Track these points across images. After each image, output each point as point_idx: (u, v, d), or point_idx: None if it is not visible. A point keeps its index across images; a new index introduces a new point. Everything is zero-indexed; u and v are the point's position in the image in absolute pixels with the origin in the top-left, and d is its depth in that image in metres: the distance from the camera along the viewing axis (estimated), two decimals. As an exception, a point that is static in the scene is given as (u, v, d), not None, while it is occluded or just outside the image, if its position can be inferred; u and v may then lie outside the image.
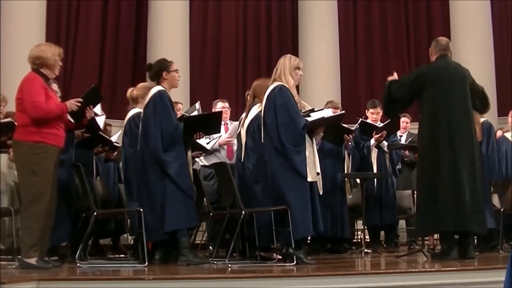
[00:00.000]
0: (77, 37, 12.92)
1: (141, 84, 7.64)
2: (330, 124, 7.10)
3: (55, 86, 6.74)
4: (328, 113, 7.43)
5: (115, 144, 8.21)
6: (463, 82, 6.83)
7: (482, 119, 8.39)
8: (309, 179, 6.41)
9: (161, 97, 6.57)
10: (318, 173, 6.56)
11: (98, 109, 7.20)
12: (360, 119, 8.86)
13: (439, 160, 6.60)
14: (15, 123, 6.56)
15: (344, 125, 8.52)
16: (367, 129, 8.81)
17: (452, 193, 6.53)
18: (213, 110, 8.75)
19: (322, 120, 6.89)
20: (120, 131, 8.28)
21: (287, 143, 6.40)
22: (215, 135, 8.08)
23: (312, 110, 7.15)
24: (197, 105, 8.24)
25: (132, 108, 7.35)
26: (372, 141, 8.82)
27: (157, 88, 6.67)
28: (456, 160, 6.57)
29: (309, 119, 6.67)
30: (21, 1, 11.26)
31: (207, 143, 8.05)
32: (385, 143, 8.90)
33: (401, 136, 9.85)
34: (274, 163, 6.45)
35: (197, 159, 8.41)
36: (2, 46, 11.13)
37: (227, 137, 8.42)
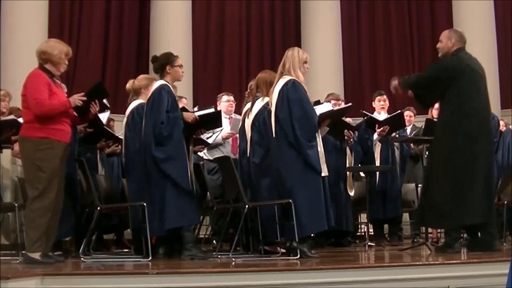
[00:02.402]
0: (80, 33, 12.92)
1: (142, 76, 7.64)
2: (338, 117, 7.07)
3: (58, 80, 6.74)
4: (328, 106, 7.42)
5: (119, 137, 8.20)
6: (485, 75, 6.83)
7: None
8: (323, 174, 6.41)
9: (160, 91, 6.59)
10: None
11: (105, 101, 7.19)
12: (368, 115, 8.82)
13: (473, 152, 6.55)
14: (18, 120, 6.57)
15: (347, 119, 8.53)
16: (371, 123, 8.80)
17: (484, 185, 6.52)
18: (218, 103, 8.75)
19: (331, 112, 6.88)
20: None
21: (301, 137, 6.37)
22: (216, 129, 8.09)
23: (318, 102, 7.15)
24: (195, 109, 8.25)
25: (134, 99, 7.33)
26: (375, 136, 8.82)
27: (159, 83, 6.69)
28: (488, 152, 6.59)
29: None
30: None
31: (208, 138, 8.06)
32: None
33: (406, 128, 9.82)
34: (286, 157, 6.41)
35: (200, 153, 8.42)
36: (6, 43, 11.14)
37: (229, 131, 8.42)
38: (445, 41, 6.86)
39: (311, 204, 6.32)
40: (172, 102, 6.63)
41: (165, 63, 6.77)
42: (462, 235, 8.26)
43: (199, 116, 6.85)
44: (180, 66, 6.85)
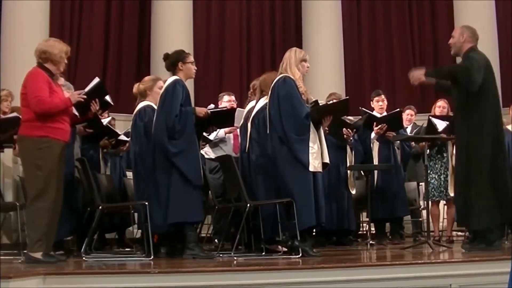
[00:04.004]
0: (80, 33, 12.93)
1: (146, 77, 7.67)
2: (336, 111, 7.05)
3: (62, 81, 6.74)
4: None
5: (121, 135, 8.20)
6: None
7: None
8: (310, 169, 6.40)
9: (175, 85, 6.59)
10: (327, 163, 6.56)
11: (107, 97, 7.19)
12: (367, 112, 8.80)
13: (502, 150, 6.58)
14: (20, 117, 6.57)
15: (348, 118, 8.51)
16: (369, 121, 8.79)
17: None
18: (219, 103, 8.75)
19: (326, 106, 6.89)
20: (128, 128, 8.33)
21: (289, 132, 6.41)
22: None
23: (317, 102, 7.15)
24: (212, 106, 8.27)
25: (141, 101, 7.35)
26: (373, 134, 8.81)
27: (172, 78, 6.70)
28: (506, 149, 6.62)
29: None
30: (24, -1, 11.29)
31: (208, 135, 8.07)
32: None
33: (406, 127, 9.82)
34: (279, 154, 6.45)
35: (202, 152, 8.41)
36: (6, 43, 11.14)
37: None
38: (457, 37, 6.83)
39: (300, 199, 6.32)
40: (187, 97, 6.64)
41: (176, 60, 6.78)
42: (465, 233, 8.27)
43: (212, 112, 6.87)
44: (192, 62, 6.87)
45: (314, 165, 6.43)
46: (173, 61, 6.79)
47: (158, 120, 6.57)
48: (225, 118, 7.10)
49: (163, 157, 6.51)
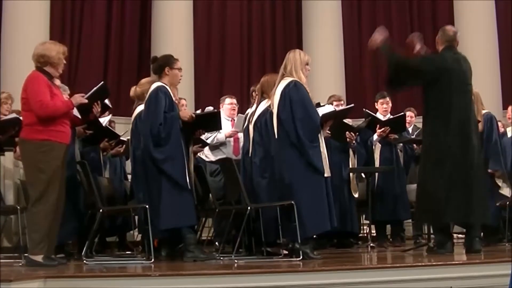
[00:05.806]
0: (81, 35, 12.93)
1: (143, 80, 7.65)
2: (340, 118, 7.07)
3: (58, 82, 6.74)
4: (330, 108, 7.42)
5: (120, 136, 8.19)
6: (469, 73, 6.77)
7: (484, 111, 8.36)
8: (326, 175, 6.41)
9: (156, 93, 6.57)
10: None
11: (106, 101, 7.20)
12: (371, 115, 8.77)
13: (450, 152, 6.50)
14: (20, 118, 6.58)
15: (348, 121, 8.51)
16: (372, 124, 8.77)
17: (461, 184, 6.48)
18: (221, 106, 8.75)
19: (333, 113, 6.88)
20: (127, 130, 8.33)
21: (304, 138, 6.37)
22: (214, 132, 8.11)
23: (318, 105, 7.15)
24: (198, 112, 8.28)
25: (139, 105, 7.34)
26: (375, 137, 8.80)
27: (156, 84, 6.68)
28: (466, 151, 6.51)
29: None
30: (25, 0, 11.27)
31: (207, 139, 8.07)
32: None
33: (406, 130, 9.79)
34: (287, 158, 6.41)
35: (202, 156, 8.42)
36: (7, 44, 11.14)
37: (233, 129, 8.42)
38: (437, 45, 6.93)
39: (314, 204, 6.32)
40: (170, 103, 6.61)
41: (164, 64, 6.76)
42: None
43: (197, 115, 6.85)
44: (179, 69, 6.84)
45: (327, 170, 6.44)
46: (161, 64, 6.77)
47: (143, 128, 6.58)
48: (210, 120, 7.06)
49: (151, 164, 6.50)
